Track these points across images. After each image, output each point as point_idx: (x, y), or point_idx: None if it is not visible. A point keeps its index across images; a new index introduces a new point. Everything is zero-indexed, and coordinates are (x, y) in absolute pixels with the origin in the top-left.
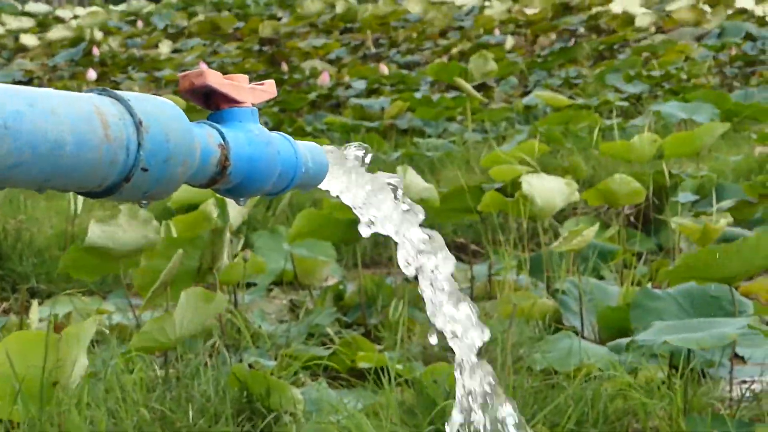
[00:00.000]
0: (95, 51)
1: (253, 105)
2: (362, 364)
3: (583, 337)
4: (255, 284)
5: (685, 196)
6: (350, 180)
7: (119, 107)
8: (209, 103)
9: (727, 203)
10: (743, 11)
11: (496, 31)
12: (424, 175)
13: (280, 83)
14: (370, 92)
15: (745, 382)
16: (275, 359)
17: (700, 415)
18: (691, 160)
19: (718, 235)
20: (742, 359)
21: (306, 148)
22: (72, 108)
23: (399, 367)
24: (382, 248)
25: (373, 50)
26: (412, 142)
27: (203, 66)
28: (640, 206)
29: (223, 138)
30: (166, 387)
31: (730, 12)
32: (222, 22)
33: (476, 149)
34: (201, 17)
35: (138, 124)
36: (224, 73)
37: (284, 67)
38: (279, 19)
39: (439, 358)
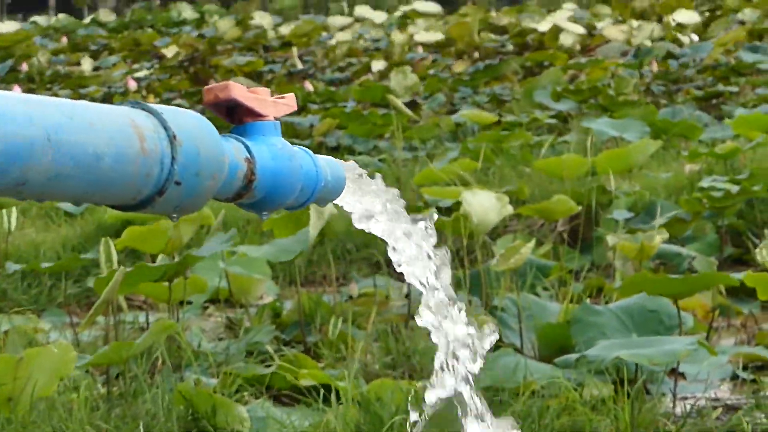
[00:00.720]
0: (24, 67)
1: (275, 118)
2: (305, 382)
3: (522, 354)
4: (190, 302)
5: (619, 213)
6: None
7: (153, 120)
8: (232, 117)
9: (660, 220)
10: (681, 26)
11: (419, 48)
12: None
13: None
14: (299, 109)
15: (686, 398)
16: (216, 377)
17: (646, 431)
18: (623, 177)
19: (654, 252)
20: (682, 375)
21: (325, 162)
22: (110, 121)
23: (342, 384)
24: (316, 266)
25: (300, 67)
26: (342, 160)
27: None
28: (575, 223)
29: (249, 152)
30: (109, 405)
31: (656, 29)
32: (143, 38)
33: (406, 167)
34: (125, 33)
35: (172, 138)
36: (149, 90)
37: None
38: (203, 36)
39: (380, 375)
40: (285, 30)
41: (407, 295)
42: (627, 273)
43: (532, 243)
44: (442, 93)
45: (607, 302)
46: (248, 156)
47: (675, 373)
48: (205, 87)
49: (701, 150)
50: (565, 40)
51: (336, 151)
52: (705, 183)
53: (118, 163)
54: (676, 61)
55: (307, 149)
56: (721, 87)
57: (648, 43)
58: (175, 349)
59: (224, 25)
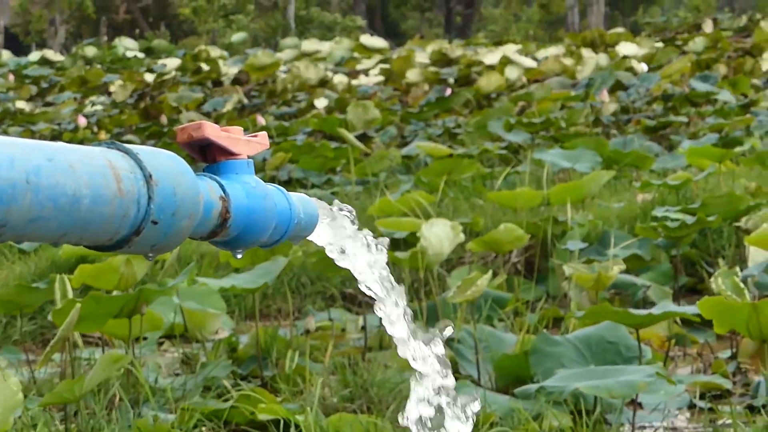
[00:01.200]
0: None
1: (248, 157)
2: (263, 416)
3: (479, 386)
4: (145, 338)
5: (574, 244)
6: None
7: (129, 161)
8: (206, 156)
9: (615, 251)
10: (624, 58)
11: (369, 82)
12: None
13: (159, 136)
14: None
15: (644, 427)
16: (174, 413)
17: None
18: (576, 207)
19: (611, 282)
20: (640, 405)
21: (298, 199)
22: (88, 162)
23: (300, 418)
24: (271, 300)
25: (246, 102)
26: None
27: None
28: (529, 254)
29: (224, 190)
30: None
31: (603, 59)
32: (90, 75)
33: (358, 200)
34: (72, 69)
35: (148, 178)
36: (100, 126)
37: (163, 119)
38: (152, 71)
39: (338, 408)
40: (235, 65)
41: (363, 328)
42: (582, 303)
43: (489, 274)
44: (394, 126)
45: (563, 333)
46: (223, 194)
47: (633, 403)
48: (178, 126)
49: (653, 180)
50: (511, 73)
51: (288, 184)
52: (658, 212)
53: (95, 205)
54: (625, 93)
55: (280, 187)
56: (672, 117)
57: (595, 74)
58: (132, 386)
59: (173, 62)
